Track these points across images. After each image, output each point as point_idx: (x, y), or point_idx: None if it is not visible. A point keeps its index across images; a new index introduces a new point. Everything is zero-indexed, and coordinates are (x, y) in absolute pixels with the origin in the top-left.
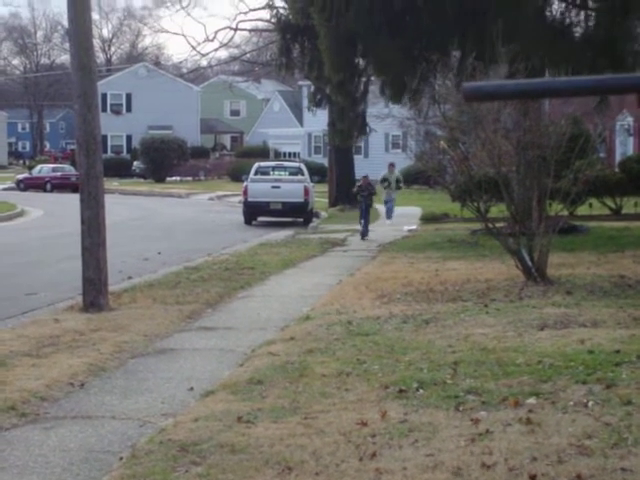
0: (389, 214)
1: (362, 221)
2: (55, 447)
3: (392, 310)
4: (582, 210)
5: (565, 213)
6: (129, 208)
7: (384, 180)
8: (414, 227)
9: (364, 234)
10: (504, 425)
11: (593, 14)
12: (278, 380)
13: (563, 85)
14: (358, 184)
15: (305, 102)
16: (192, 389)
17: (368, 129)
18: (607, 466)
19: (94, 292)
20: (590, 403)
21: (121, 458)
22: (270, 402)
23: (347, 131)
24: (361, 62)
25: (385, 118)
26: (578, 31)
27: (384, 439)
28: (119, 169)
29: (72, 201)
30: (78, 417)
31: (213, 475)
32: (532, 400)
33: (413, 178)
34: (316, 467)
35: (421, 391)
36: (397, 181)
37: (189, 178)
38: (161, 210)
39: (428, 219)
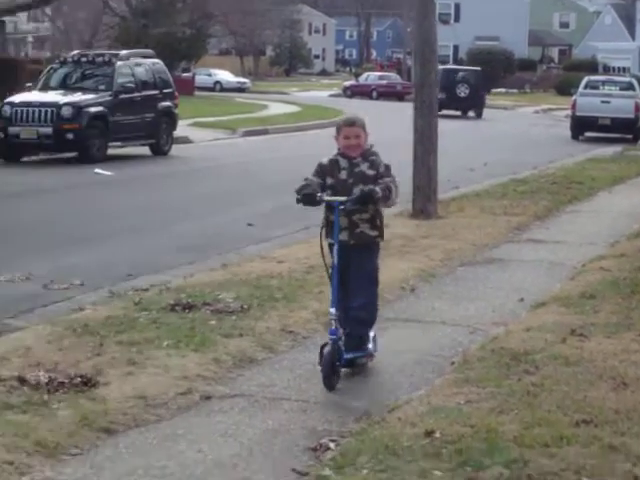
0: None
1: (334, 294)
2: (386, 347)
3: None
4: None
5: None
6: (450, 119)
7: None
8: None
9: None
10: None
11: None
12: (610, 295)
13: None
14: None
15: (639, 15)
16: (522, 300)
17: None
18: None
19: (423, 199)
20: None
21: (453, 362)
22: (603, 317)
23: None
24: None
25: None
26: None
27: None
28: None
29: (397, 109)
30: (409, 320)
31: (547, 385)
32: None
33: None
34: None
35: None
36: None
37: (514, 90)
38: (486, 121)
39: None
